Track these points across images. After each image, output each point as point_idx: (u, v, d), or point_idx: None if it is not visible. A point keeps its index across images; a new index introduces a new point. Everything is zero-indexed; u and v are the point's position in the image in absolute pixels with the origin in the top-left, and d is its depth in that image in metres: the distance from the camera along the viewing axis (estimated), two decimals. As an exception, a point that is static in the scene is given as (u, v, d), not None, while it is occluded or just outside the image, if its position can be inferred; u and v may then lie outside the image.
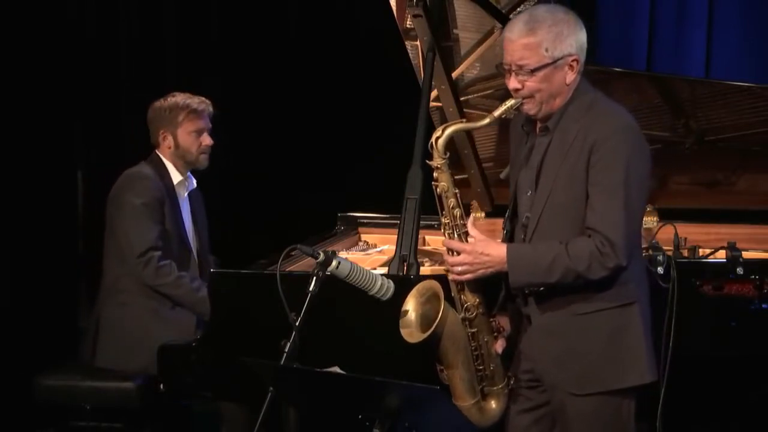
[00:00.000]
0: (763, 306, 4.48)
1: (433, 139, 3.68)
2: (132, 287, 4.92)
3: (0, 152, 5.84)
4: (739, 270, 4.47)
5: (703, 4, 6.42)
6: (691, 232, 5.08)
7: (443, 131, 3.68)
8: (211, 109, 5.17)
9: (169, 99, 5.13)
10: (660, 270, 4.16)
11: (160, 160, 5.11)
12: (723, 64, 6.38)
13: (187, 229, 5.12)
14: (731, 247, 4.57)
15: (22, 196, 5.89)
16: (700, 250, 4.97)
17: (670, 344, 4.02)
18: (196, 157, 5.12)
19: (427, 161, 3.72)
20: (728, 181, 5.26)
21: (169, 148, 5.10)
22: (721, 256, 4.65)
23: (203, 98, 5.18)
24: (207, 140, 5.13)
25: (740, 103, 4.98)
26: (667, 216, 4.98)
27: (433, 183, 3.72)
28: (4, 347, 5.74)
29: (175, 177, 5.11)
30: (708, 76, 6.26)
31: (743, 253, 4.55)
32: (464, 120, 3.81)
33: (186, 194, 5.17)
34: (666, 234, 4.70)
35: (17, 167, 5.88)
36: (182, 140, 5.09)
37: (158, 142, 5.11)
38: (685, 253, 4.92)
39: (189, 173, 5.18)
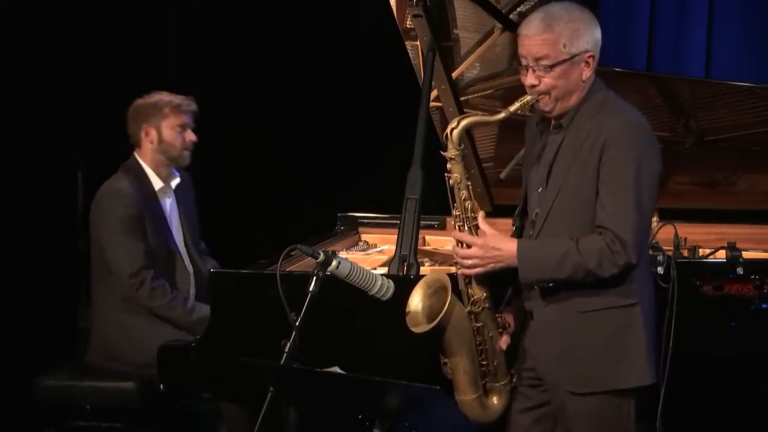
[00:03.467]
0: (763, 306, 4.48)
1: (448, 130, 3.68)
2: (117, 303, 4.89)
3: (0, 152, 5.84)
4: (739, 270, 4.46)
5: (703, 4, 6.42)
6: (691, 232, 5.08)
7: (459, 123, 3.67)
8: (194, 106, 5.07)
9: (152, 95, 5.05)
10: (660, 270, 4.16)
11: (139, 165, 5.01)
12: (723, 64, 6.38)
13: (175, 235, 5.05)
14: (731, 247, 4.57)
15: (22, 196, 5.89)
16: (700, 250, 4.96)
17: (670, 344, 4.02)
18: (180, 152, 5.01)
19: (441, 152, 3.69)
20: (728, 181, 5.26)
21: (152, 143, 4.99)
22: (721, 256, 4.65)
23: (187, 96, 5.09)
24: (191, 136, 5.03)
25: (740, 103, 4.98)
26: (667, 216, 4.97)
27: (446, 174, 3.70)
28: (4, 347, 5.74)
29: (156, 183, 5.02)
30: (708, 76, 6.26)
31: (743, 253, 4.55)
32: (480, 113, 3.82)
33: (170, 198, 5.07)
34: (666, 234, 4.69)
35: (17, 167, 5.88)
36: (166, 134, 4.99)
37: (140, 139, 5.01)
38: (685, 253, 4.92)
39: (173, 169, 5.08)
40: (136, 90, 5.40)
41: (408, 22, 4.96)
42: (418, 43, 4.96)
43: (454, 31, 5.07)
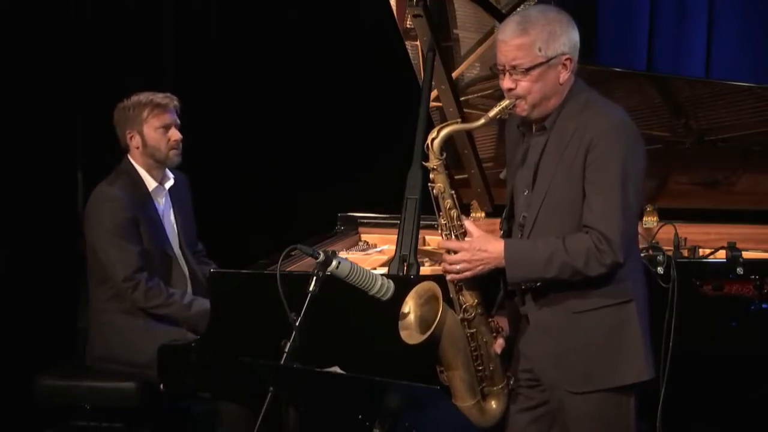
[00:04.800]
0: (763, 306, 4.48)
1: (428, 141, 3.69)
2: (115, 306, 4.89)
3: (0, 152, 5.84)
4: (739, 270, 4.47)
5: (703, 4, 6.42)
6: (691, 232, 5.08)
7: (438, 132, 3.68)
8: (176, 103, 5.01)
9: (132, 98, 5.00)
10: (660, 270, 4.16)
11: (132, 167, 4.98)
12: (723, 64, 6.38)
13: (170, 236, 5.03)
14: (731, 247, 4.57)
15: (22, 196, 5.89)
16: (700, 250, 4.97)
17: (671, 344, 4.02)
18: (166, 154, 4.97)
19: (424, 162, 3.72)
20: (728, 181, 5.25)
21: (138, 148, 4.97)
22: (721, 256, 4.65)
23: (167, 93, 5.03)
24: (175, 135, 4.97)
25: (740, 103, 4.98)
26: (667, 216, 4.97)
27: (429, 184, 3.72)
28: (4, 347, 5.74)
29: (150, 184, 4.99)
30: (708, 76, 6.26)
31: (743, 253, 4.55)
32: (459, 121, 3.85)
33: (164, 198, 5.05)
34: (666, 234, 4.70)
35: (17, 167, 5.88)
36: (149, 138, 4.95)
37: (127, 144, 4.99)
38: (685, 253, 4.92)
39: (166, 170, 5.05)
40: (135, 90, 5.41)
41: (408, 22, 4.96)
42: (418, 43, 4.96)
43: (454, 31, 5.07)
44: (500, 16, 4.88)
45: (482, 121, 3.68)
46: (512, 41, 3.58)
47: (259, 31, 6.49)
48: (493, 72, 3.69)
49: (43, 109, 5.96)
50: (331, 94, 6.44)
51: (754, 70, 6.28)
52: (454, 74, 5.06)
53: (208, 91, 6.30)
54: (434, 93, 4.96)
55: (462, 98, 5.09)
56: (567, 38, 3.61)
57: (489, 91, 5.16)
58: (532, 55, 3.57)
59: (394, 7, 4.96)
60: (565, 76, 3.62)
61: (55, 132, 6.03)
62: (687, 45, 6.45)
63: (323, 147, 6.46)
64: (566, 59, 3.61)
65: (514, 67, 3.59)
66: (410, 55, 5.10)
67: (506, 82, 3.61)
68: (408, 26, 4.98)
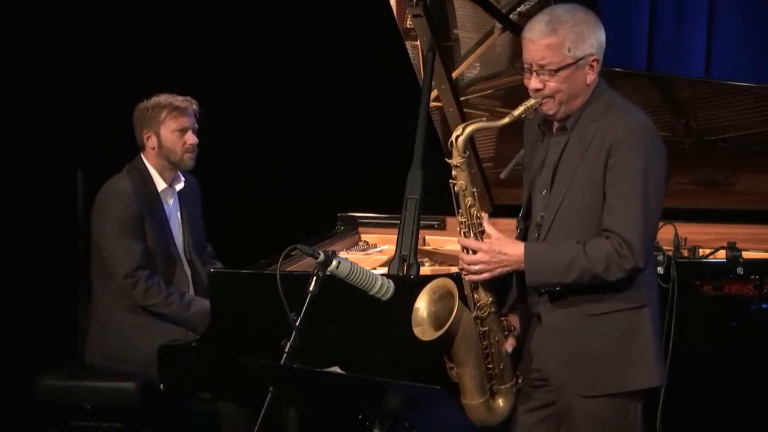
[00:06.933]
0: (763, 306, 4.48)
1: (453, 138, 3.66)
2: (118, 303, 4.89)
3: (0, 152, 5.84)
4: (739, 270, 4.47)
5: (703, 4, 6.41)
6: (691, 232, 5.08)
7: (464, 130, 3.66)
8: (195, 107, 5.05)
9: (152, 99, 5.03)
10: (660, 270, 4.17)
11: (144, 166, 5.00)
12: (723, 64, 6.37)
13: (175, 238, 5.04)
14: (731, 247, 4.57)
15: (22, 196, 5.89)
16: (700, 250, 4.97)
17: (671, 344, 4.02)
18: (181, 156, 4.99)
19: (446, 159, 3.68)
20: (728, 181, 5.26)
21: (153, 149, 4.98)
22: (721, 256, 4.65)
23: (188, 97, 5.07)
24: (191, 139, 5.00)
25: (740, 103, 4.98)
26: (667, 216, 4.96)
27: (450, 181, 3.70)
28: (4, 347, 5.74)
29: (160, 184, 5.01)
30: (708, 76, 6.26)
31: (743, 253, 4.55)
32: (484, 119, 3.81)
33: (173, 200, 5.07)
34: (666, 234, 4.70)
35: (17, 167, 5.88)
36: (165, 139, 4.97)
37: (143, 143, 5.01)
38: (685, 253, 4.92)
39: (179, 173, 5.08)
40: (136, 89, 5.44)
41: (408, 22, 4.96)
42: (418, 43, 4.96)
43: (454, 31, 5.07)
44: (500, 16, 4.89)
45: (507, 119, 3.65)
46: (541, 41, 3.56)
47: (259, 31, 6.49)
48: (519, 71, 3.67)
49: (43, 109, 5.96)
50: (331, 94, 6.44)
51: (754, 70, 6.28)
52: (454, 74, 5.06)
53: (208, 92, 6.29)
54: (434, 93, 4.96)
55: (462, 98, 5.08)
56: (595, 39, 3.60)
57: (489, 91, 5.17)
58: (561, 56, 3.56)
59: (394, 7, 4.96)
60: (591, 76, 3.61)
61: (55, 132, 6.03)
62: (687, 45, 6.45)
63: (323, 147, 6.46)
64: (593, 60, 3.60)
65: (542, 67, 3.57)
66: (410, 55, 5.10)
67: (533, 82, 3.60)
68: (408, 26, 4.98)
